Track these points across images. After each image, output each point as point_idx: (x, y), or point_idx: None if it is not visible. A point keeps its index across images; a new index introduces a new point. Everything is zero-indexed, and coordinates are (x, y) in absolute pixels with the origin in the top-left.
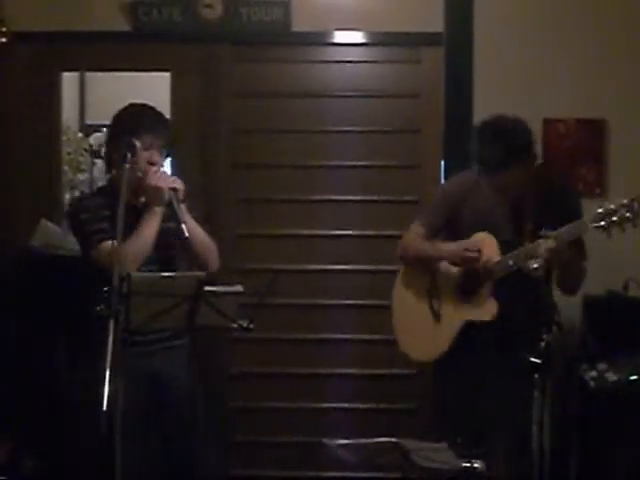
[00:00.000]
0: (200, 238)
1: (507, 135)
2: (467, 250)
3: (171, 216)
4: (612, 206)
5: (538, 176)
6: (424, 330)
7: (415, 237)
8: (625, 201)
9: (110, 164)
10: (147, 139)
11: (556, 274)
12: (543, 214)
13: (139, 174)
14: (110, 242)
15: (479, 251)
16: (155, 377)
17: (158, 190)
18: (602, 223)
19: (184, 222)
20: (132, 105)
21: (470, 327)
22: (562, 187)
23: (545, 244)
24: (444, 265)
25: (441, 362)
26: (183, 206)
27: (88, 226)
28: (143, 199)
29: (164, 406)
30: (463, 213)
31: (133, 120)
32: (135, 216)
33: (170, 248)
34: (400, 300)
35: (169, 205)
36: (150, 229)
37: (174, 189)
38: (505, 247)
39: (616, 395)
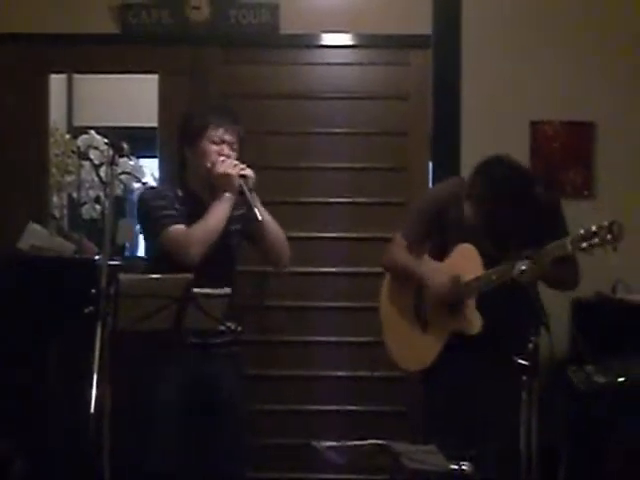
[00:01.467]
0: (273, 228)
1: (506, 184)
2: (447, 290)
3: (242, 202)
4: (594, 228)
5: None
6: (412, 340)
7: (399, 250)
8: (606, 223)
9: (182, 162)
10: (217, 134)
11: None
12: (525, 227)
13: (208, 165)
14: (178, 226)
15: (458, 280)
16: (214, 381)
17: (227, 177)
18: (583, 245)
19: (256, 207)
20: (204, 102)
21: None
22: (542, 199)
23: (522, 265)
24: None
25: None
26: (254, 194)
27: (160, 211)
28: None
29: (215, 410)
30: (446, 222)
31: (203, 116)
32: (203, 211)
33: (241, 235)
34: (387, 309)
35: (240, 193)
36: (219, 214)
37: (244, 176)
38: (487, 260)
39: (604, 397)
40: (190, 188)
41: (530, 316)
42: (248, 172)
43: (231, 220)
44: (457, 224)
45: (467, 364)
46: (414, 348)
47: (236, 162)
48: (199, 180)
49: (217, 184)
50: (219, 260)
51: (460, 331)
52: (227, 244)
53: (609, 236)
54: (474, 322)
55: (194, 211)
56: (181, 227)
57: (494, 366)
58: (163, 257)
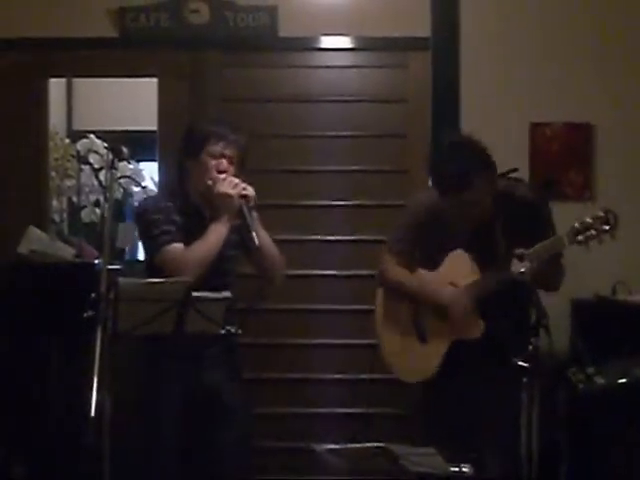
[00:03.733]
0: (270, 249)
1: (466, 150)
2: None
3: (240, 226)
4: (588, 219)
5: (503, 191)
6: (412, 351)
7: (392, 267)
8: (601, 213)
9: (183, 173)
10: (217, 148)
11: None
12: (512, 230)
13: (209, 182)
14: (176, 245)
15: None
16: (213, 388)
17: (227, 197)
18: (579, 237)
19: (255, 231)
20: (207, 115)
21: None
22: (528, 199)
23: (520, 265)
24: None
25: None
26: (255, 214)
27: (157, 228)
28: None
29: (216, 417)
30: (431, 233)
31: (204, 129)
32: (204, 226)
33: (229, 261)
34: (383, 323)
35: (240, 213)
36: (217, 237)
37: (244, 196)
38: (480, 259)
39: (604, 399)
40: (190, 200)
41: (530, 318)
42: (249, 192)
43: (229, 245)
44: (440, 233)
45: (467, 367)
46: (415, 360)
47: (237, 181)
48: (199, 193)
49: (217, 203)
50: (214, 284)
51: (462, 337)
52: (223, 269)
53: (605, 226)
54: (475, 326)
55: (193, 224)
56: (178, 247)
57: (494, 368)
58: (159, 274)
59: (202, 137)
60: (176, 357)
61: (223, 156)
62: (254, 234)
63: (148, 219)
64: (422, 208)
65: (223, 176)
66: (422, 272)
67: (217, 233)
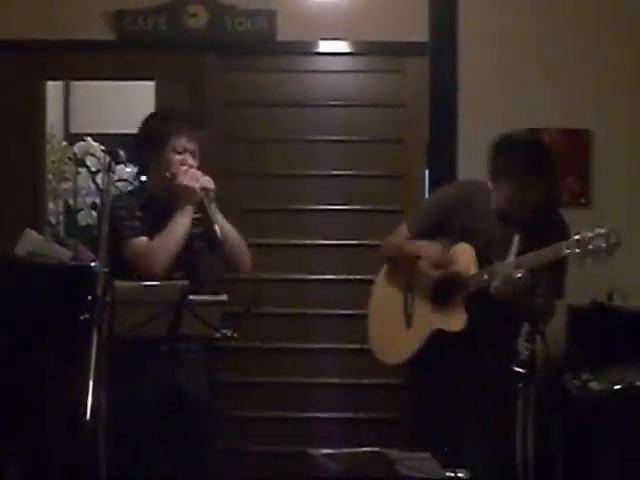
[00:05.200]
0: (232, 239)
1: (538, 148)
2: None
3: (202, 218)
4: (590, 234)
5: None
6: (395, 334)
7: (399, 237)
8: (603, 230)
9: (144, 168)
10: (180, 143)
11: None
12: (532, 232)
13: (167, 174)
14: (141, 238)
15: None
16: (180, 388)
17: (188, 189)
18: (577, 250)
19: (216, 223)
20: (163, 110)
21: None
22: (558, 220)
23: (518, 274)
24: (424, 265)
25: (422, 374)
26: (214, 206)
27: (122, 222)
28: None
29: (184, 417)
30: (454, 223)
31: (164, 124)
32: (167, 219)
33: (197, 254)
34: (377, 299)
35: (200, 205)
36: (180, 227)
37: (205, 189)
38: (486, 266)
39: (600, 405)
40: (153, 193)
41: (526, 324)
42: (209, 185)
43: (194, 238)
44: (463, 229)
45: (463, 372)
46: (396, 342)
47: (199, 174)
48: (161, 187)
49: (178, 195)
50: (186, 278)
51: (443, 328)
52: (192, 263)
53: (604, 244)
54: (458, 319)
55: (157, 218)
56: (143, 239)
57: (490, 374)
58: (123, 269)
59: (165, 131)
60: (149, 355)
61: (186, 150)
62: (216, 226)
63: (113, 215)
64: (454, 196)
65: (184, 168)
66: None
67: (180, 224)
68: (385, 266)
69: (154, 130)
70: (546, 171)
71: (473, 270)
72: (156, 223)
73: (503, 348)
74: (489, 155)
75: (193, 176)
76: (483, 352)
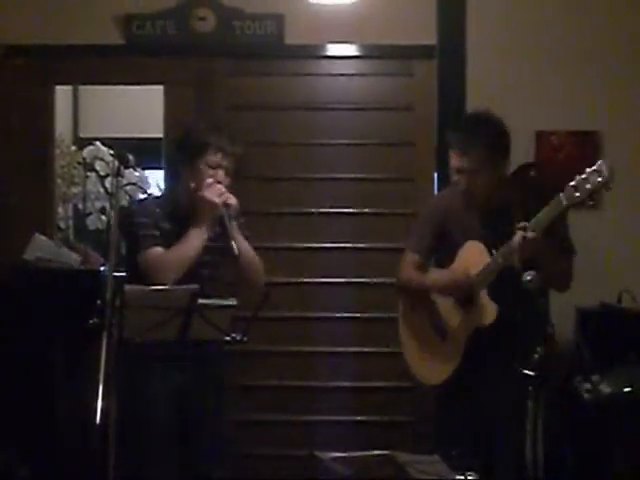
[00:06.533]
0: (249, 257)
1: (496, 122)
2: (457, 281)
3: (221, 233)
4: (583, 176)
5: (525, 178)
6: (433, 352)
7: (410, 268)
8: (594, 167)
9: (175, 176)
10: (215, 159)
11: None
12: (523, 205)
13: (192, 185)
14: (157, 249)
15: (467, 276)
16: (186, 392)
17: (210, 204)
18: (577, 195)
19: (234, 239)
20: (205, 121)
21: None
22: (546, 189)
23: (521, 233)
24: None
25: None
26: (235, 223)
27: (142, 230)
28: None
29: (190, 421)
30: (450, 231)
31: (204, 137)
32: (187, 229)
33: (215, 267)
34: (406, 333)
35: (221, 221)
36: (196, 241)
37: (227, 205)
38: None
39: (610, 407)
40: (179, 202)
41: (537, 326)
42: (232, 202)
43: (206, 251)
44: (459, 235)
45: (476, 374)
46: (436, 359)
47: (223, 189)
48: (187, 196)
49: (199, 207)
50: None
51: (477, 325)
52: (199, 274)
53: (600, 178)
54: (489, 310)
55: (180, 227)
56: (158, 250)
57: (501, 376)
58: (138, 275)
59: (201, 146)
60: (158, 359)
61: (220, 166)
62: (233, 243)
63: (133, 222)
64: (438, 206)
65: (210, 181)
66: (433, 270)
67: (197, 237)
68: (401, 300)
69: (193, 141)
70: (500, 150)
71: (486, 261)
72: (179, 232)
73: (524, 347)
74: (454, 134)
75: (216, 191)
76: (508, 340)
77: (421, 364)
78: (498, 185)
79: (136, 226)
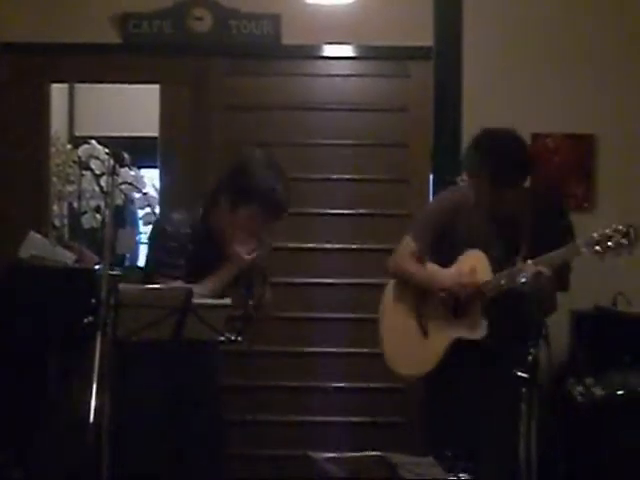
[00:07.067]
0: (265, 310)
1: (510, 150)
2: (463, 279)
3: (243, 281)
4: (607, 231)
5: (534, 193)
6: (411, 346)
7: (408, 256)
8: (621, 227)
9: (214, 204)
10: (257, 210)
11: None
12: (538, 232)
13: (228, 229)
14: (176, 283)
15: (474, 272)
16: (184, 390)
17: (238, 258)
18: (597, 248)
19: (254, 296)
20: (284, 178)
21: (458, 343)
22: (559, 207)
23: (534, 267)
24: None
25: (432, 377)
26: (262, 278)
27: (166, 256)
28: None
29: (185, 418)
30: (455, 229)
31: (260, 189)
32: (214, 254)
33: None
34: (388, 314)
35: (247, 274)
36: (218, 283)
37: (254, 265)
38: (496, 264)
39: (603, 410)
40: (211, 231)
41: (530, 328)
42: (261, 262)
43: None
44: (464, 234)
45: (468, 376)
46: (414, 354)
47: (254, 248)
48: (219, 230)
49: (228, 254)
50: None
51: (464, 336)
52: None
53: (624, 240)
54: (479, 327)
55: (206, 251)
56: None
57: (494, 378)
58: None
59: (256, 194)
60: (153, 358)
61: (255, 219)
62: (250, 302)
63: (164, 244)
64: (449, 203)
65: (244, 236)
66: (431, 265)
67: (219, 279)
68: (393, 281)
69: (246, 184)
70: (526, 170)
71: (489, 276)
72: (204, 255)
73: (517, 348)
74: (467, 151)
75: (247, 248)
76: (499, 357)
77: (397, 353)
78: (509, 199)
79: (164, 249)
